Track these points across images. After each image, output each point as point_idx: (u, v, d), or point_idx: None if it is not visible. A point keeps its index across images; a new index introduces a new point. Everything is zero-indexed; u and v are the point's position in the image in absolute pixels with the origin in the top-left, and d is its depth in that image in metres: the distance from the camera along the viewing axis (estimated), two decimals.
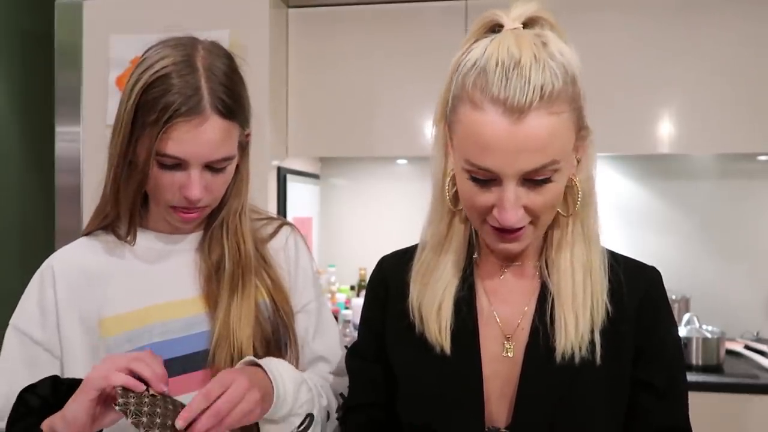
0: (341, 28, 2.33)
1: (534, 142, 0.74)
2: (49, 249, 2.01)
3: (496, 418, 0.86)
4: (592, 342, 0.83)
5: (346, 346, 1.10)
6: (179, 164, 0.93)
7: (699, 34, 2.14)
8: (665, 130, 2.17)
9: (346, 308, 2.47)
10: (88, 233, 1.04)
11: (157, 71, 0.91)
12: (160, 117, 0.90)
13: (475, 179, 0.78)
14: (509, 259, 0.90)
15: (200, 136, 0.91)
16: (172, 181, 0.93)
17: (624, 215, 2.52)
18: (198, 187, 0.93)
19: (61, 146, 2.21)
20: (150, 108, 0.90)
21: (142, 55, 0.96)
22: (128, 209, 0.98)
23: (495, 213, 0.79)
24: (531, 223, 0.81)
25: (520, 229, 0.80)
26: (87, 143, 2.19)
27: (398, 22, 2.29)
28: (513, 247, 0.83)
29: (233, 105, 0.95)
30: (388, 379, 0.94)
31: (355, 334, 1.05)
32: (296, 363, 1.04)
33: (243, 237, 1.03)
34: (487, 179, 0.77)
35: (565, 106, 0.75)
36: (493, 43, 0.77)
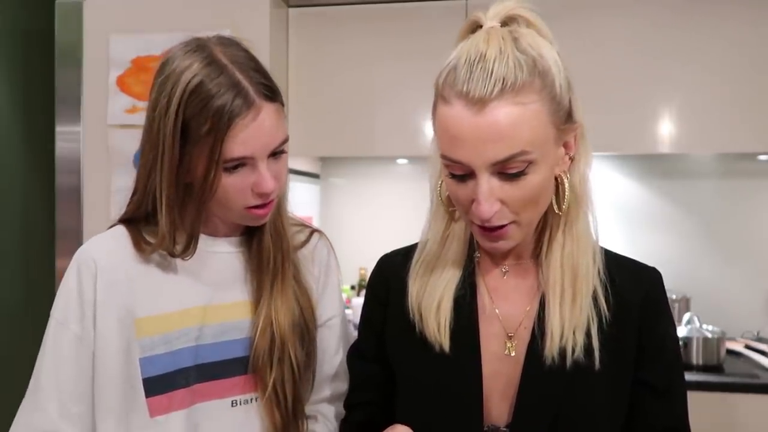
0: (341, 28, 2.32)
1: (497, 131, 0.75)
2: (49, 249, 2.01)
3: (496, 418, 0.86)
4: (589, 343, 0.82)
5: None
6: (243, 164, 0.90)
7: (699, 34, 2.14)
8: (665, 130, 2.17)
9: (347, 308, 2.47)
10: (125, 221, 1.00)
11: (189, 82, 0.88)
12: (216, 124, 0.86)
13: (454, 175, 0.80)
14: (505, 257, 0.90)
15: (261, 128, 0.89)
16: (242, 182, 0.91)
17: (624, 215, 2.52)
18: (270, 179, 0.92)
19: (61, 146, 2.21)
20: (199, 120, 0.87)
21: (159, 72, 0.92)
22: (191, 229, 0.95)
23: (473, 208, 0.79)
24: (514, 221, 0.80)
25: (503, 227, 0.80)
26: (87, 143, 2.19)
27: (398, 21, 2.29)
28: (499, 245, 0.83)
29: (272, 85, 0.93)
30: (388, 378, 0.95)
31: (356, 333, 1.05)
32: (313, 376, 1.04)
33: (283, 226, 1.02)
34: (464, 174, 0.79)
35: (533, 97, 0.76)
36: (466, 42, 0.79)
